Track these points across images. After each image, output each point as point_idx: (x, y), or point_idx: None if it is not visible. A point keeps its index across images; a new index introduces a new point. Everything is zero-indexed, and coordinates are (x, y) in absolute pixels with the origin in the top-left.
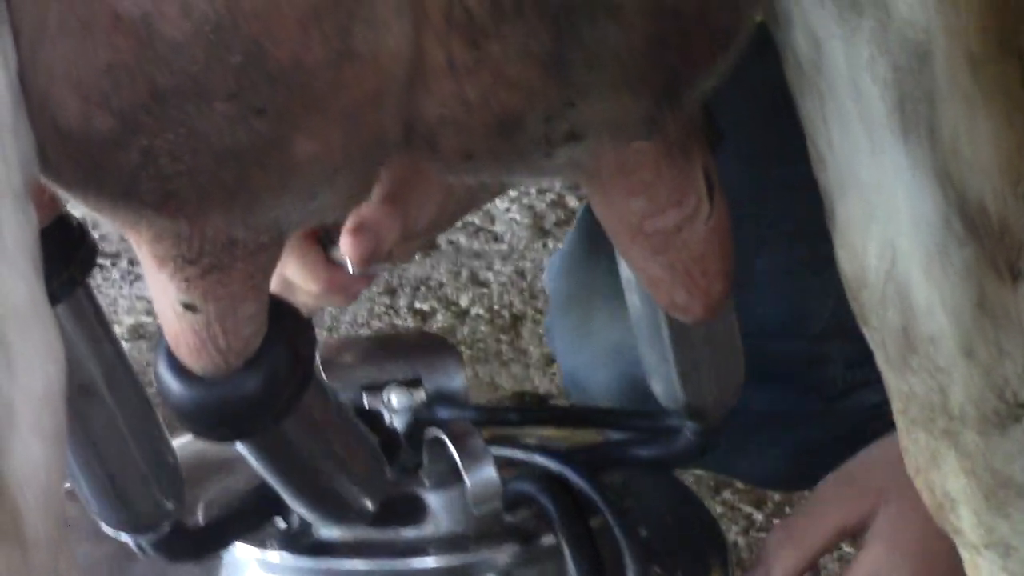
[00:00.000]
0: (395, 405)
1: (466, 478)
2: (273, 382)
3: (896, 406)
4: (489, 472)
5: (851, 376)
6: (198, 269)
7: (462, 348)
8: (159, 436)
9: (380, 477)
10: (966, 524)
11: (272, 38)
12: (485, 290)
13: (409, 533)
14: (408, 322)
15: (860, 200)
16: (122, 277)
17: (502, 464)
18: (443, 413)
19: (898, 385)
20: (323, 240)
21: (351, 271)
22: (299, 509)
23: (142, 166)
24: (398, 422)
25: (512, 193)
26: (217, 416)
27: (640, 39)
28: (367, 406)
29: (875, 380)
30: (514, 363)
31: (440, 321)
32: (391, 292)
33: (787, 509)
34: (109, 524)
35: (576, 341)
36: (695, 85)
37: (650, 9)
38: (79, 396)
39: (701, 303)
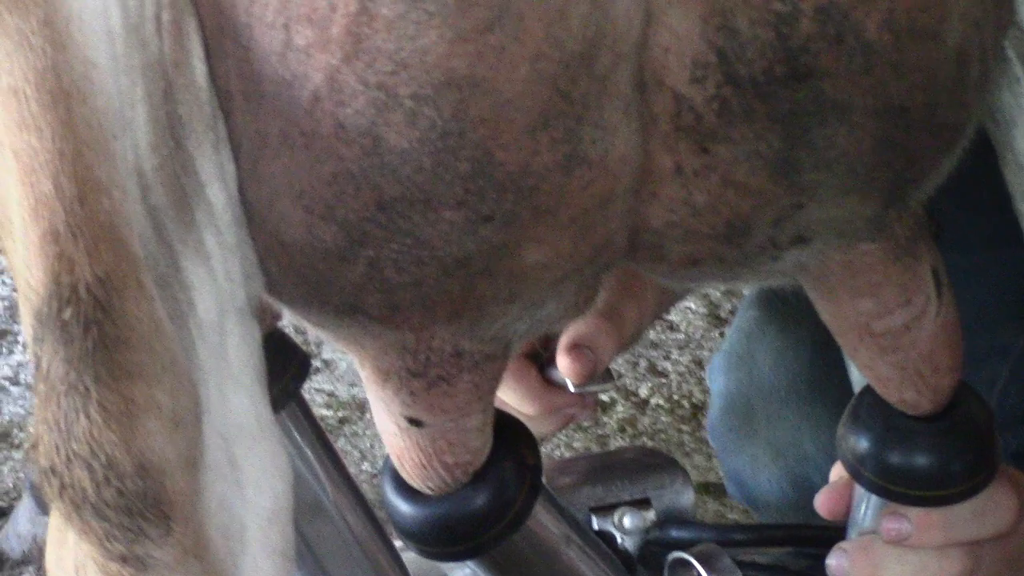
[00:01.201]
0: (627, 526)
1: None
2: (501, 495)
3: None
4: None
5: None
6: (424, 382)
7: (644, 439)
8: (389, 553)
9: None
10: None
11: (500, 144)
12: (664, 380)
13: None
14: None
15: None
16: None
17: None
18: (675, 533)
19: None
20: (539, 361)
21: (571, 389)
22: None
23: (367, 278)
24: (630, 543)
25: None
26: (446, 534)
27: (869, 139)
28: (597, 527)
29: None
30: (696, 453)
31: (620, 412)
32: None
33: None
34: None
35: (737, 441)
36: (921, 185)
37: (879, 110)
38: (308, 515)
39: (930, 400)
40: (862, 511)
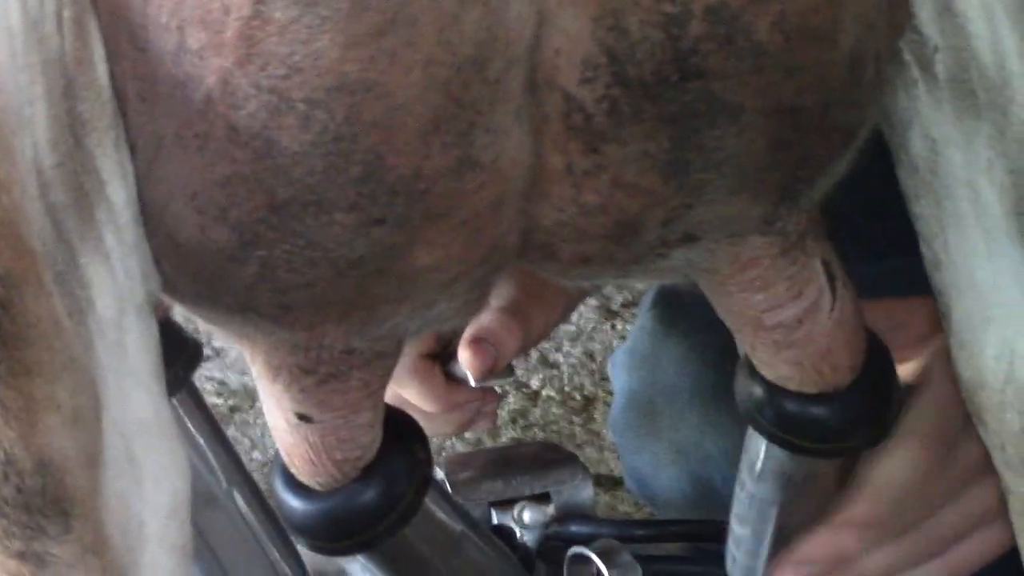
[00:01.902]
0: (527, 521)
1: None
2: (391, 489)
3: (1014, 507)
4: None
5: None
6: (314, 379)
7: (535, 431)
8: (283, 545)
9: None
10: None
11: (392, 148)
12: (556, 372)
13: None
14: None
15: (977, 302)
16: None
17: None
18: (575, 528)
19: (1017, 487)
20: (441, 359)
21: (472, 383)
22: None
23: (260, 278)
24: (529, 538)
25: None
26: (336, 529)
27: (760, 140)
28: (496, 522)
29: None
30: (588, 446)
31: (512, 403)
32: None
33: None
34: None
35: (639, 439)
36: (813, 186)
37: (770, 110)
38: (200, 505)
39: (832, 391)
40: (759, 461)
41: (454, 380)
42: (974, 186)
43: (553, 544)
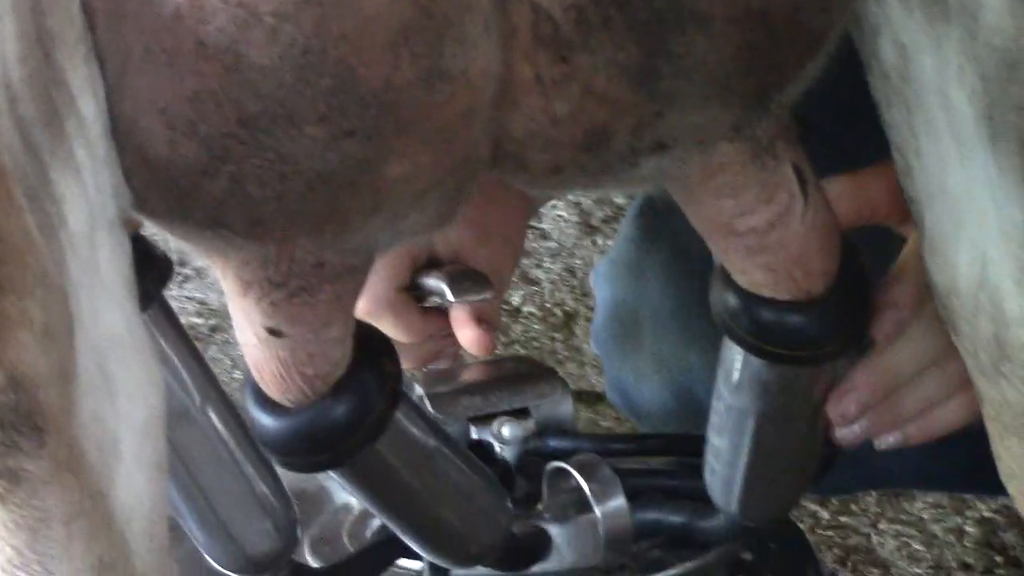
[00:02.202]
0: (506, 436)
1: (597, 510)
2: (362, 404)
3: (987, 412)
4: (620, 502)
5: None
6: (285, 292)
7: (516, 347)
8: (259, 462)
9: (502, 510)
10: None
11: (361, 60)
12: (536, 288)
13: (536, 570)
14: None
15: (949, 209)
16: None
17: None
18: (554, 443)
19: (990, 392)
20: (414, 290)
21: (450, 298)
22: (418, 547)
23: (230, 193)
24: (508, 453)
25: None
26: (307, 444)
27: (729, 47)
28: (475, 437)
29: None
30: (569, 361)
31: None
32: None
33: (852, 507)
34: (224, 565)
35: (622, 350)
36: (783, 91)
37: (739, 16)
38: (175, 421)
39: (806, 298)
40: (736, 371)
41: (428, 311)
42: (945, 92)
43: (532, 459)
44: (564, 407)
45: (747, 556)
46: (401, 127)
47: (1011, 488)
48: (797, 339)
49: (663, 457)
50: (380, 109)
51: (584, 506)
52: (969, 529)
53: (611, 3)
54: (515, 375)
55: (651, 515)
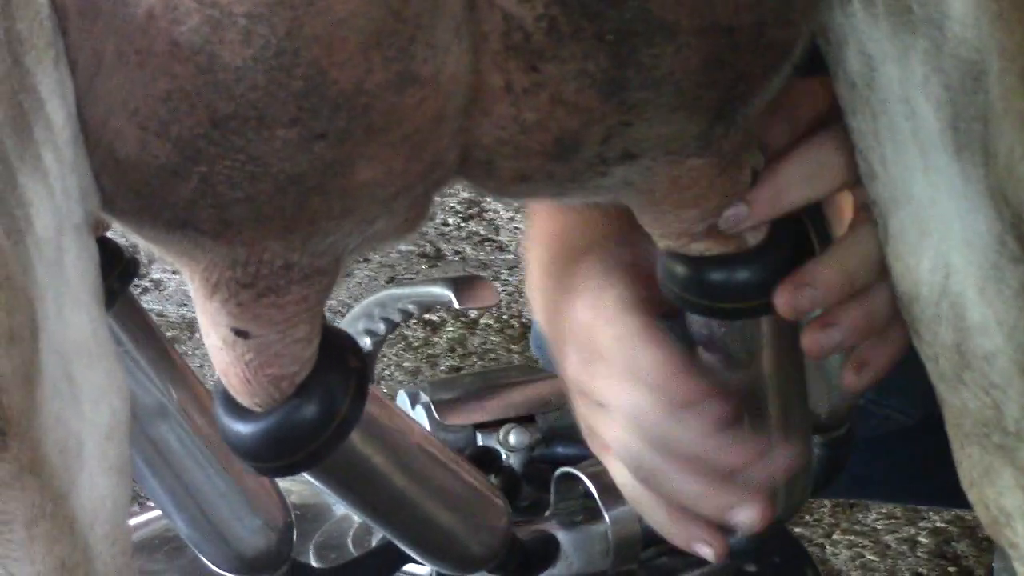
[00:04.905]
0: (513, 444)
1: (606, 516)
2: (329, 403)
3: (949, 419)
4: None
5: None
6: (252, 293)
7: (474, 359)
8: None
9: (497, 511)
10: (1023, 539)
11: (333, 63)
12: None
13: None
14: (418, 333)
15: (913, 215)
16: None
17: None
18: (561, 450)
19: (951, 399)
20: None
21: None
22: (413, 551)
23: (200, 194)
24: (515, 460)
25: (515, 203)
26: (276, 448)
27: (696, 59)
28: (482, 444)
29: None
30: None
31: (450, 332)
32: None
33: (806, 517)
34: (220, 566)
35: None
36: (750, 103)
37: (706, 28)
38: (152, 418)
39: None
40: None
41: None
42: (910, 101)
43: (539, 466)
44: (570, 414)
45: (751, 568)
46: (372, 131)
47: (971, 495)
48: (747, 291)
49: None
50: (351, 112)
51: (593, 512)
52: (922, 539)
53: (582, 13)
54: (521, 382)
55: None
